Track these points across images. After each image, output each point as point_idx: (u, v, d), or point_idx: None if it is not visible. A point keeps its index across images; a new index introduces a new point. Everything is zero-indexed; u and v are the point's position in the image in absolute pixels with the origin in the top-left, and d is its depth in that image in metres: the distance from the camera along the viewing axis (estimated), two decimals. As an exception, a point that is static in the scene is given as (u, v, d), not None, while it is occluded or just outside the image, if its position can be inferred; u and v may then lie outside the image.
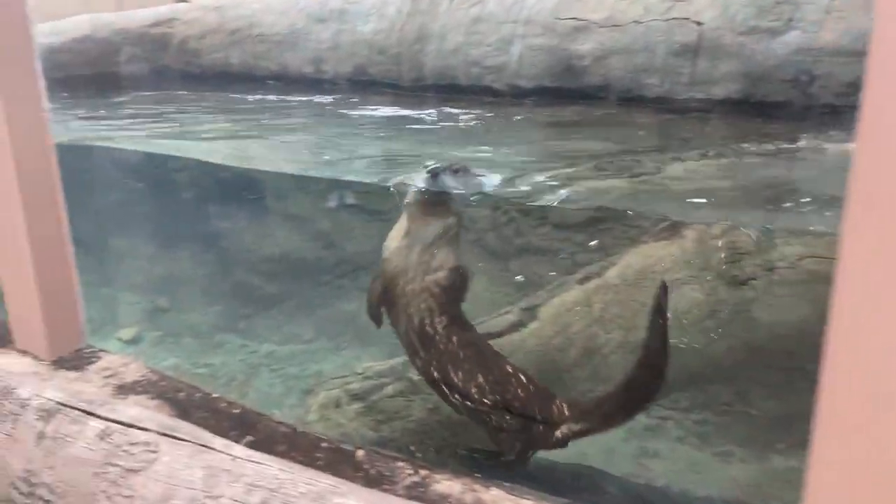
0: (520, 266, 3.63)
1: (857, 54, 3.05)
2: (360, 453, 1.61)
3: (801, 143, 2.85)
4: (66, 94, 4.90)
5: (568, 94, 4.10)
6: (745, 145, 2.77)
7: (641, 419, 2.93)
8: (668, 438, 3.00)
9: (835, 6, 3.14)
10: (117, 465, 1.50)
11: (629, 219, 3.12)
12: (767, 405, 2.92)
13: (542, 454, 2.08)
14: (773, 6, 3.33)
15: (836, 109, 3.14)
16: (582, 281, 2.70)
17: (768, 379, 2.91)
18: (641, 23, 3.77)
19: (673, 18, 3.65)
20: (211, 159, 3.67)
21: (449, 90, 4.50)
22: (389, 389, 2.53)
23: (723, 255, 2.49)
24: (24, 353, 2.01)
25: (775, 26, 3.30)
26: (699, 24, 3.55)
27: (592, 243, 3.41)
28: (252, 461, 1.44)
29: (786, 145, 2.92)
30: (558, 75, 4.10)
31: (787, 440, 2.78)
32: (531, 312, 2.68)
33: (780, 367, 2.79)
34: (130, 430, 1.56)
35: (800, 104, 3.26)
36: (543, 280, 3.12)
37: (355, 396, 2.53)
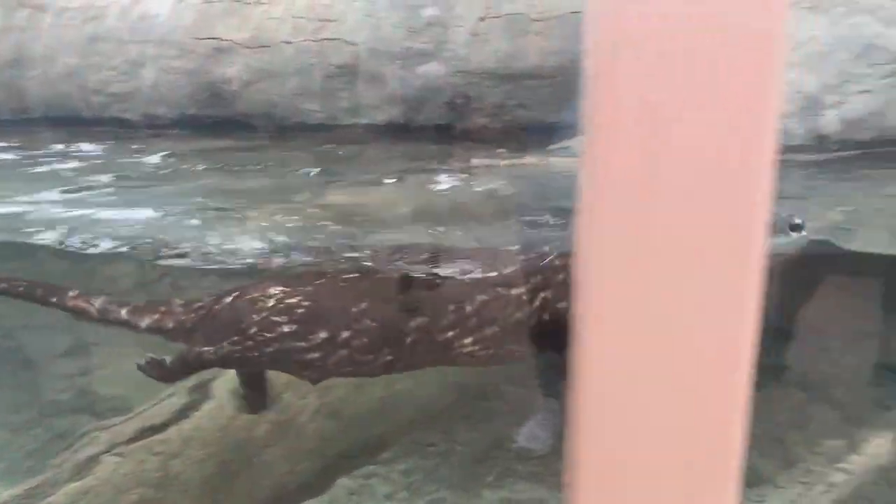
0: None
1: (501, 77, 3.13)
2: None
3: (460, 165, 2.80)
4: None
5: (220, 124, 3.59)
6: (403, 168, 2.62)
7: (343, 482, 2.56)
8: (376, 498, 2.67)
9: (481, 29, 3.19)
10: None
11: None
12: (471, 437, 2.76)
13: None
14: (423, 28, 3.27)
15: (490, 130, 3.19)
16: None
17: (466, 409, 2.77)
18: (292, 43, 3.45)
19: (325, 39, 3.40)
20: None
21: (67, 122, 3.64)
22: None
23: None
24: None
25: (427, 48, 3.25)
26: (352, 44, 3.35)
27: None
28: None
29: (456, 166, 2.86)
30: (204, 102, 3.57)
31: (494, 471, 2.65)
32: (203, 390, 2.12)
33: (475, 395, 2.65)
34: None
35: (459, 127, 3.25)
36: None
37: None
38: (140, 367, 1.92)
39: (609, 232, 0.66)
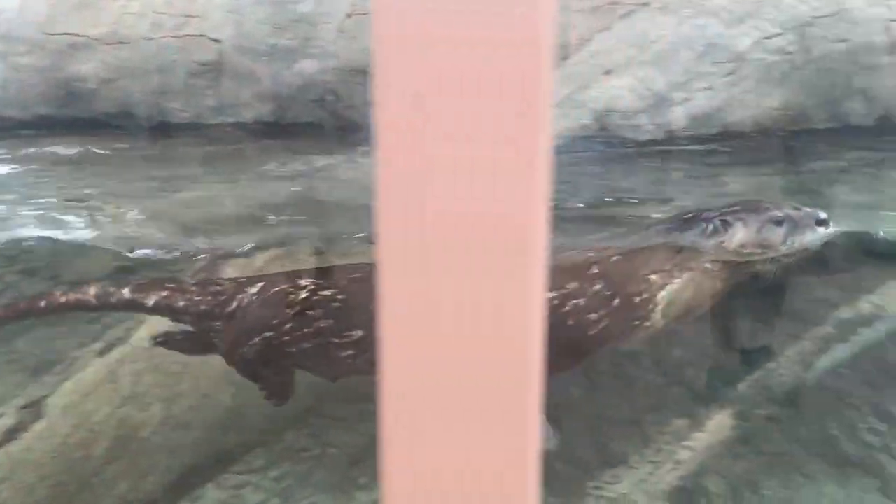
0: (30, 342, 2.82)
1: (369, 73, 3.12)
2: None
3: (328, 161, 2.77)
4: None
5: (79, 124, 3.40)
6: (270, 167, 2.56)
7: (211, 494, 2.48)
8: (249, 508, 2.60)
9: (347, 26, 3.16)
10: None
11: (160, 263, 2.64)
12: (344, 440, 2.74)
13: None
14: (289, 24, 3.21)
15: (361, 126, 3.16)
16: (103, 351, 2.12)
17: (340, 412, 2.74)
18: (153, 39, 3.30)
19: (188, 35, 3.27)
20: None
21: None
22: None
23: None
24: None
25: (293, 45, 3.18)
26: (217, 41, 3.24)
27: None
28: None
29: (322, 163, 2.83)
30: (60, 101, 3.36)
31: (368, 473, 2.63)
32: (35, 409, 1.99)
33: (345, 398, 2.63)
34: None
35: (330, 124, 3.21)
36: (58, 357, 2.42)
37: None
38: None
39: (398, 228, 0.68)
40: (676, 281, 1.94)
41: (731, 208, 1.98)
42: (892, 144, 3.10)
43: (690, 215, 2.00)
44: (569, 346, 1.94)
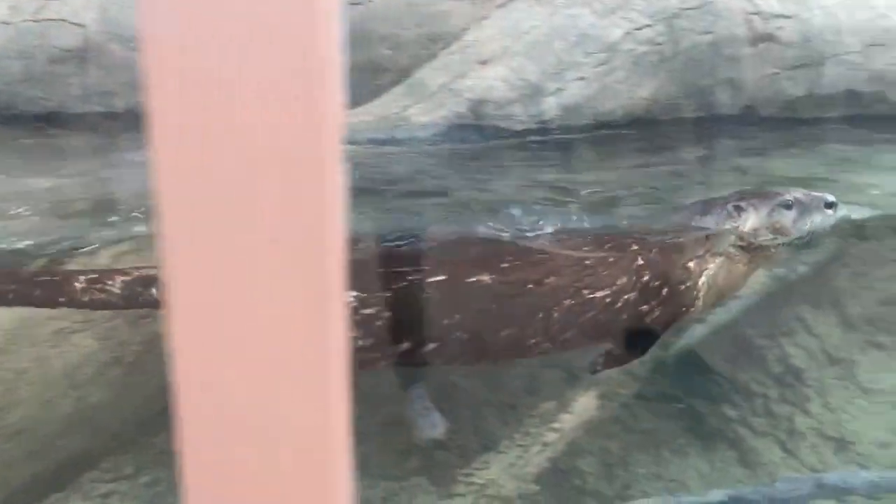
0: None
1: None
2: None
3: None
4: None
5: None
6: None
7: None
8: (121, 515, 2.49)
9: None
10: None
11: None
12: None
13: None
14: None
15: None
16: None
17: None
18: (10, 24, 3.09)
19: (47, 19, 3.08)
20: None
21: None
22: None
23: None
24: None
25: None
26: (80, 25, 3.07)
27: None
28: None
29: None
30: None
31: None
32: None
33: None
34: None
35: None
36: None
37: None
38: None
39: (180, 224, 0.64)
40: (711, 266, 1.99)
41: (742, 194, 2.06)
42: (757, 133, 3.27)
43: (704, 202, 2.07)
44: (627, 339, 2.01)
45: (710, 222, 2.02)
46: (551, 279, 1.86)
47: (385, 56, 3.02)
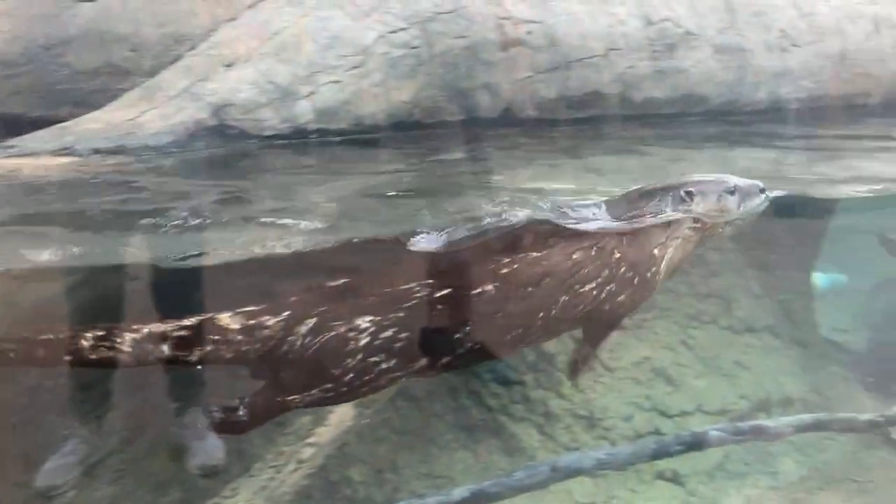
0: None
1: None
2: None
3: None
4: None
5: None
6: None
7: None
8: None
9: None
10: None
11: None
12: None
13: None
14: None
15: None
16: None
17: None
18: None
19: None
20: None
21: None
22: None
23: None
24: None
25: None
26: None
27: None
28: None
29: None
30: None
31: None
32: None
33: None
34: None
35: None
36: None
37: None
38: (215, 423, 1.71)
39: None
40: (669, 249, 2.15)
41: (692, 181, 2.20)
42: (514, 133, 3.43)
43: (653, 189, 2.17)
44: (606, 327, 2.15)
45: (664, 207, 2.15)
46: (546, 277, 1.93)
47: (126, 58, 2.79)
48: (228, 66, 2.66)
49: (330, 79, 2.80)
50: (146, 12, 2.82)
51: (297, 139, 2.73)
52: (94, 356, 1.67)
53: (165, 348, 1.68)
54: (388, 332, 1.70)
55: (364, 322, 1.68)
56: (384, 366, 1.71)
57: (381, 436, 2.58)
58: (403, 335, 1.70)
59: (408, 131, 3.12)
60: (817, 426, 2.59)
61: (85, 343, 1.67)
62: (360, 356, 1.67)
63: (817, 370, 3.34)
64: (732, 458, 2.78)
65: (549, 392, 2.76)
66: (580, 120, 3.63)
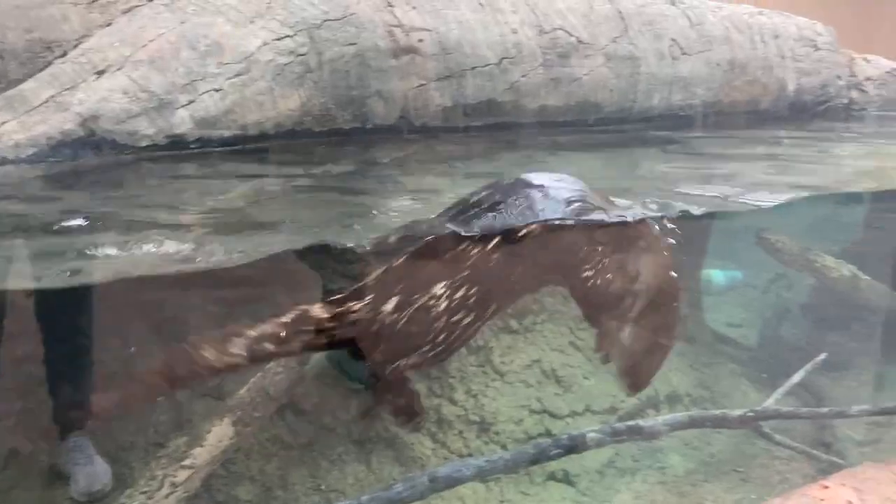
0: None
1: None
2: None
3: None
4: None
5: None
6: None
7: None
8: None
9: None
10: None
11: None
12: None
13: None
14: None
15: None
16: None
17: None
18: None
19: None
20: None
21: None
22: None
23: None
24: None
25: None
26: None
27: None
28: None
29: None
30: None
31: None
32: None
33: None
34: None
35: None
36: None
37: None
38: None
39: None
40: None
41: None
42: (415, 141, 3.43)
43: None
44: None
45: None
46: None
47: (-11, 65, 2.64)
48: (99, 73, 2.56)
49: (210, 87, 2.73)
50: (11, 16, 2.68)
51: (176, 150, 2.64)
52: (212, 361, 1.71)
53: (272, 346, 1.76)
54: (461, 292, 1.82)
55: (439, 289, 1.80)
56: (466, 321, 1.85)
57: (271, 452, 2.52)
58: (474, 290, 1.83)
59: (298, 139, 3.07)
60: (692, 423, 2.70)
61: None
62: (444, 318, 1.80)
63: (706, 366, 3.48)
64: (623, 454, 2.86)
65: (441, 399, 2.77)
66: (477, 128, 3.67)
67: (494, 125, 3.69)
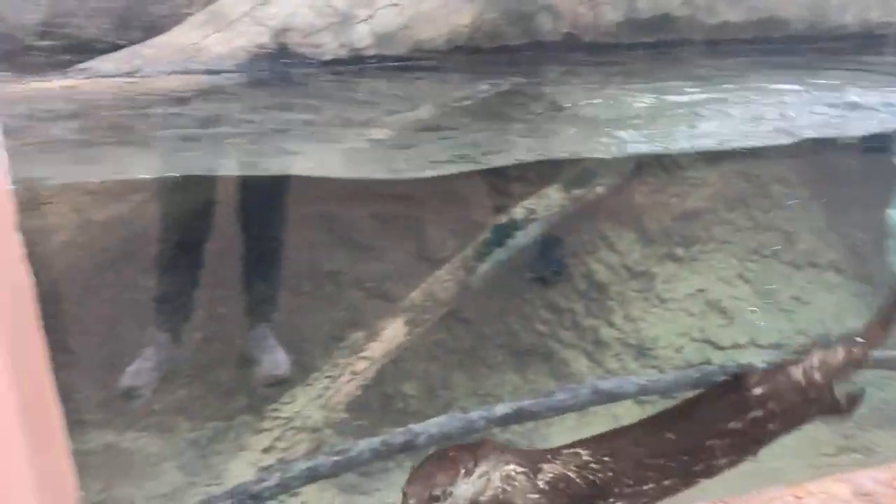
0: None
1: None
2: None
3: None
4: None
5: None
6: None
7: None
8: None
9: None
10: None
11: None
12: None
13: None
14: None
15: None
16: None
17: None
18: None
19: None
20: None
21: None
22: None
23: None
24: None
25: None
26: None
27: None
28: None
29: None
30: None
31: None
32: None
33: None
34: None
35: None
36: None
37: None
38: None
39: None
40: None
41: None
42: (580, 59, 3.34)
43: None
44: None
45: None
46: None
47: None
48: (287, -12, 2.68)
49: (388, 2, 2.79)
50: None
51: (355, 64, 2.75)
52: None
53: None
54: None
55: None
56: None
57: (435, 354, 2.68)
58: None
59: (467, 56, 3.08)
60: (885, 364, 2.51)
61: None
62: None
63: (886, 309, 3.19)
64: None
65: (599, 320, 2.79)
66: (647, 45, 3.49)
67: (667, 42, 3.49)
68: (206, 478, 2.27)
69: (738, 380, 1.50)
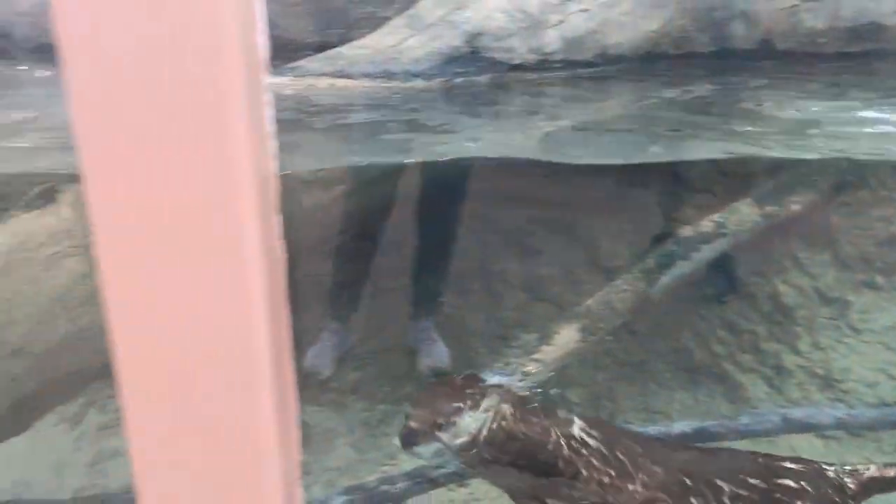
0: None
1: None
2: None
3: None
4: None
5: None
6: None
7: (94, 418, 2.56)
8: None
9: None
10: None
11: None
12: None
13: None
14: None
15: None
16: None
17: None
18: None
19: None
20: None
21: None
22: None
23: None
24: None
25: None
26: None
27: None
28: None
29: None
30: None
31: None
32: None
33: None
34: None
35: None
36: None
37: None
38: None
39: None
40: None
41: None
42: (772, 69, 3.16)
43: None
44: None
45: None
46: None
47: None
48: (482, -6, 2.75)
49: (579, 7, 2.79)
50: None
51: (542, 70, 2.77)
52: None
53: None
54: None
55: None
56: None
57: (603, 364, 2.65)
58: None
59: (651, 63, 3.02)
60: None
61: None
62: None
63: None
64: None
65: (782, 345, 2.62)
66: (849, 55, 3.24)
67: (873, 52, 3.22)
68: (377, 456, 2.38)
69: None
